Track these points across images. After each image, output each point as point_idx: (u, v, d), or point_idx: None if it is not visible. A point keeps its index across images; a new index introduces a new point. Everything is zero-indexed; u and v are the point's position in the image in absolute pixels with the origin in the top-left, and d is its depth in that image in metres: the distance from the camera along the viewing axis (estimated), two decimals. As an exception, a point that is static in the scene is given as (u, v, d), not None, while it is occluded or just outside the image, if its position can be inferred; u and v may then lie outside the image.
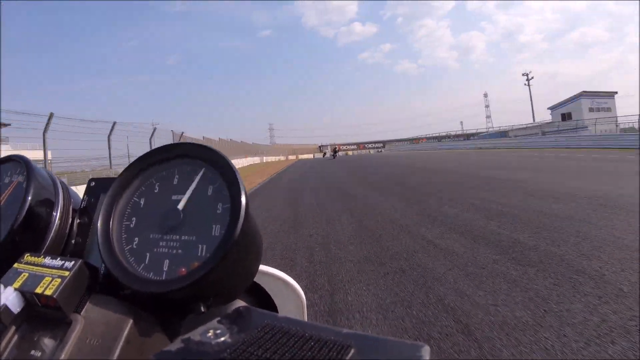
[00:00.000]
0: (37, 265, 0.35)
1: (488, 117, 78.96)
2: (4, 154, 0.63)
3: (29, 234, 0.45)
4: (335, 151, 43.23)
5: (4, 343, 0.31)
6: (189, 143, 0.43)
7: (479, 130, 61.62)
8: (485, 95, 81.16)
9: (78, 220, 0.49)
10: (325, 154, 62.72)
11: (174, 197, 0.41)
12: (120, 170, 0.46)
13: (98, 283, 0.38)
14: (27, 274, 0.34)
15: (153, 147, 0.45)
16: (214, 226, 0.37)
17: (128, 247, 0.40)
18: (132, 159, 0.45)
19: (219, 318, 0.32)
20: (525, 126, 49.30)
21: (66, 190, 0.52)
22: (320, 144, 79.12)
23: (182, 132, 18.45)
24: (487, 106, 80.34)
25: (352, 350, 0.23)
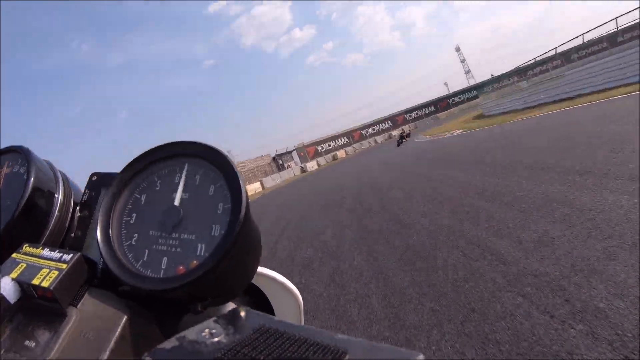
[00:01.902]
0: (35, 256, 0.35)
1: (467, 72, 68.99)
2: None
3: (28, 225, 0.45)
4: (402, 137, 27.75)
5: None
6: (192, 142, 0.43)
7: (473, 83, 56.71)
8: (458, 49, 70.24)
9: (78, 214, 0.49)
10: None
11: (176, 195, 0.41)
12: None
13: (96, 277, 0.38)
14: (24, 265, 0.34)
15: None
16: (213, 226, 0.37)
17: (127, 243, 0.40)
18: None
19: (215, 318, 0.31)
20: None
21: (67, 183, 0.52)
22: (275, 152, 48.02)
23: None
24: (462, 61, 69.93)
25: (347, 356, 0.23)
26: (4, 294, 0.31)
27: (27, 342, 0.31)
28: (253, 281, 0.45)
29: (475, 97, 48.66)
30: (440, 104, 54.47)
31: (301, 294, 0.53)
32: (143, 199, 0.42)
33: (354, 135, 53.14)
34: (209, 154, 0.41)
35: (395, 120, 54.44)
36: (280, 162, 48.43)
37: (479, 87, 48.86)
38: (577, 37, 22.00)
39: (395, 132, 43.71)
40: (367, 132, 53.81)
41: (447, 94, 56.34)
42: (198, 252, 0.36)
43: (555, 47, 24.47)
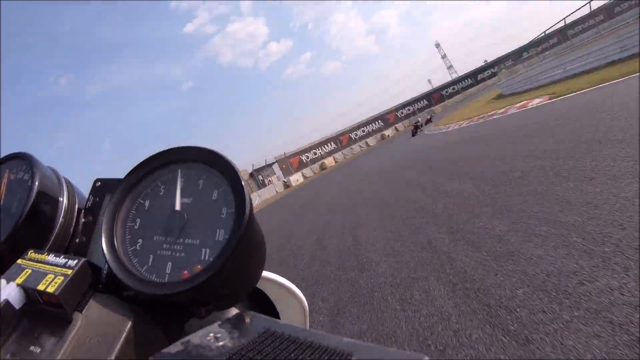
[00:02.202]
0: (40, 262, 0.35)
1: (449, 67, 66.61)
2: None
3: (33, 230, 0.45)
4: (416, 127, 25.83)
5: (3, 338, 0.31)
6: (196, 147, 0.43)
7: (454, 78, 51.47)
8: (437, 45, 67.83)
9: (83, 220, 0.49)
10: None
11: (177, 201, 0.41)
12: None
13: (101, 283, 0.38)
14: (30, 271, 0.34)
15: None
16: (217, 230, 0.37)
17: (132, 249, 0.40)
18: None
19: (220, 322, 0.31)
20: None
21: (71, 189, 0.52)
22: (252, 167, 39.34)
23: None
24: (443, 56, 67.44)
25: (352, 359, 0.23)
26: (9, 299, 0.31)
27: (32, 348, 0.31)
28: (258, 285, 0.45)
29: (471, 85, 47.12)
30: (434, 97, 48.55)
31: None
32: (147, 204, 0.43)
33: (342, 140, 45.91)
34: (211, 159, 0.41)
35: (387, 119, 47.69)
36: (260, 177, 40.60)
37: (481, 71, 47.09)
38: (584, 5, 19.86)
39: (388, 133, 43.93)
40: (356, 134, 46.81)
41: (441, 85, 50.02)
42: (202, 257, 0.36)
43: (564, 18, 22.53)
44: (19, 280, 0.33)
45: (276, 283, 0.52)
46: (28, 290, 0.33)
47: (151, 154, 0.44)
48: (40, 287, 0.32)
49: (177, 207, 0.40)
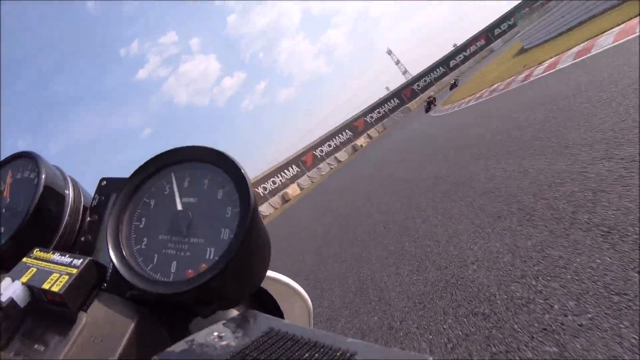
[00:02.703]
0: (45, 260, 0.36)
1: (405, 72, 63.89)
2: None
3: (39, 229, 0.45)
4: (430, 102, 23.22)
5: (8, 336, 0.31)
6: (201, 147, 0.43)
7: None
8: (389, 52, 65.65)
9: (89, 218, 0.50)
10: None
11: (184, 200, 0.41)
12: None
13: (106, 282, 0.38)
14: (35, 269, 0.35)
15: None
16: (222, 230, 0.37)
17: (137, 247, 0.40)
18: None
19: (224, 321, 0.31)
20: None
21: (77, 187, 0.52)
22: None
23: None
24: (397, 62, 65.46)
25: (356, 359, 0.23)
26: (14, 297, 0.31)
27: (36, 346, 0.31)
28: (262, 284, 0.45)
29: (445, 74, 39.62)
30: (405, 94, 40.90)
31: None
32: (152, 203, 0.43)
33: (305, 161, 35.66)
34: (216, 159, 0.41)
35: (355, 127, 39.14)
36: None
37: (453, 56, 39.56)
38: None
39: (360, 142, 35.16)
40: (321, 151, 36.77)
41: (412, 78, 43.12)
42: (207, 256, 0.36)
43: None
44: (24, 278, 0.34)
45: (280, 282, 0.52)
46: (33, 289, 0.33)
47: (156, 154, 0.44)
48: (45, 285, 0.32)
49: (179, 207, 0.40)
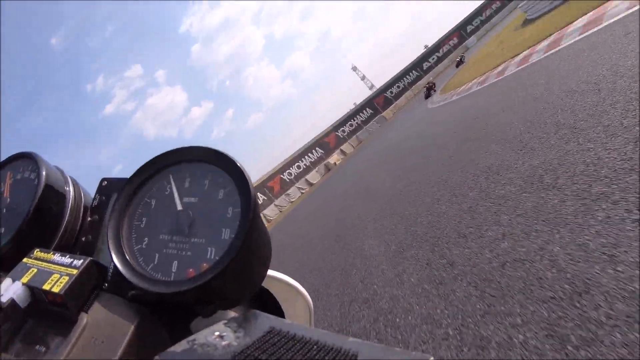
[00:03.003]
0: (46, 261, 0.35)
1: (371, 87, 61.49)
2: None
3: (40, 229, 0.45)
4: (429, 88, 21.98)
5: (9, 337, 0.31)
6: (202, 147, 0.43)
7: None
8: (354, 68, 64.30)
9: (89, 218, 0.49)
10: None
11: (185, 200, 0.41)
12: None
13: (106, 282, 0.38)
14: (35, 270, 0.34)
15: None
16: (223, 230, 0.37)
17: (137, 247, 0.40)
18: None
19: (225, 321, 0.31)
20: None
21: (78, 188, 0.52)
22: None
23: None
24: (363, 78, 64.34)
25: (358, 359, 0.23)
26: (15, 298, 0.31)
27: (37, 347, 0.31)
28: (263, 284, 0.45)
29: (419, 77, 34.94)
30: (377, 102, 36.01)
31: None
32: (153, 203, 0.43)
33: (271, 187, 29.95)
34: (218, 159, 0.41)
35: (326, 143, 33.75)
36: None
37: (426, 57, 35.34)
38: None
39: (332, 160, 30.70)
40: (289, 174, 31.58)
41: (384, 85, 37.16)
42: (208, 256, 0.36)
43: None
44: (25, 279, 0.33)
45: (281, 282, 0.51)
46: (33, 290, 0.33)
47: (157, 154, 0.44)
48: (46, 286, 0.32)
49: (179, 207, 0.40)
